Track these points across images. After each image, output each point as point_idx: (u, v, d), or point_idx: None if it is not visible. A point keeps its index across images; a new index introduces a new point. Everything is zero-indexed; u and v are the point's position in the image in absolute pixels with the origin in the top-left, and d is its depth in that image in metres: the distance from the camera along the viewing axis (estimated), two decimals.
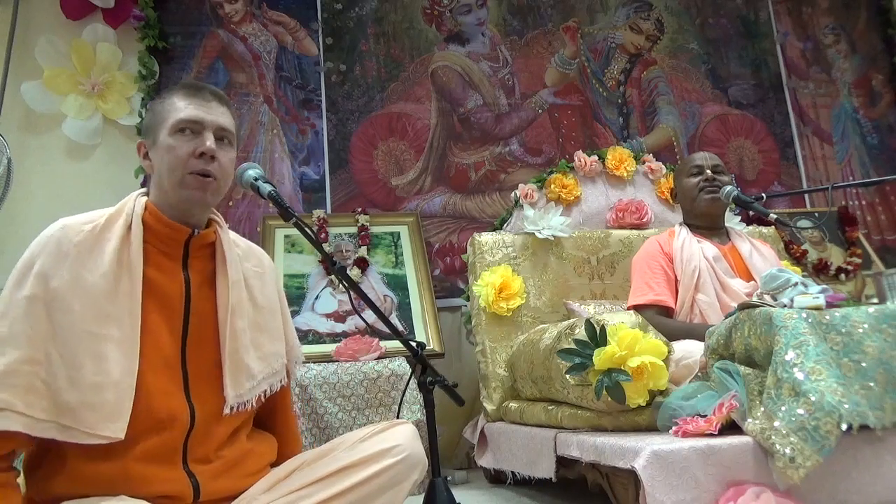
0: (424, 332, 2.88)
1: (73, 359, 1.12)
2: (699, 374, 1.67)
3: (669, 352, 1.70)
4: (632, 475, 1.37)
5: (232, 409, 1.26)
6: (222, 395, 1.26)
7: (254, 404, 1.31)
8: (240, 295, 1.30)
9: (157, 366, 1.19)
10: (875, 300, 2.31)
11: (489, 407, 2.46)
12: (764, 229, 2.92)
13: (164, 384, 1.20)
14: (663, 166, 3.03)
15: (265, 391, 1.33)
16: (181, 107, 1.27)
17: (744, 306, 1.65)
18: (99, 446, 1.11)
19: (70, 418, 1.10)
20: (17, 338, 1.11)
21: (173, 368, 1.22)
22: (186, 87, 1.30)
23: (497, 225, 2.97)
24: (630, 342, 1.61)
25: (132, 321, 1.17)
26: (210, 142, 1.25)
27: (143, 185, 3.09)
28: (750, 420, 1.40)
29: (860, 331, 1.44)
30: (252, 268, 1.38)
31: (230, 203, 3.20)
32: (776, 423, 1.33)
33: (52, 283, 1.14)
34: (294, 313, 2.81)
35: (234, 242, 1.36)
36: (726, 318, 1.66)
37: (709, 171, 2.32)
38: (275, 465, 1.36)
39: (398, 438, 1.27)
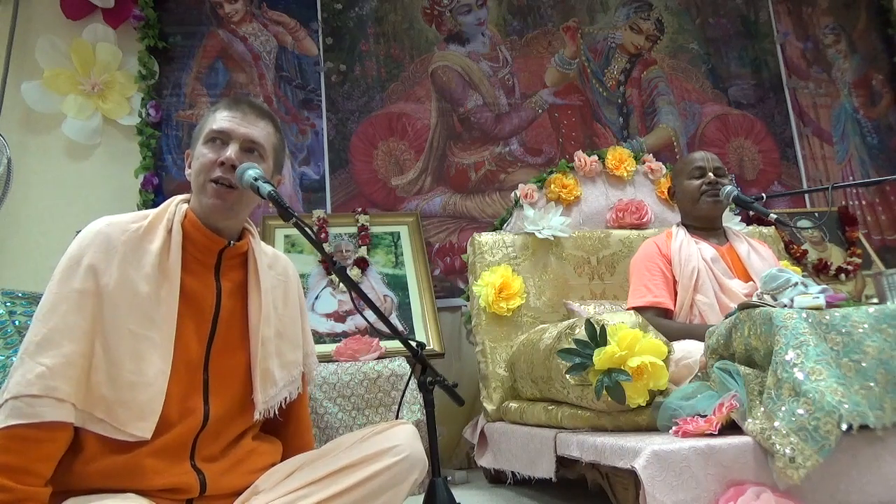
0: (424, 332, 2.88)
1: (114, 355, 1.15)
2: (699, 374, 1.67)
3: (669, 352, 1.70)
4: (632, 475, 1.37)
5: (261, 413, 1.30)
6: (238, 399, 1.29)
7: (276, 411, 1.34)
8: (269, 304, 1.34)
9: (180, 368, 1.22)
10: (875, 300, 2.31)
11: (489, 407, 2.46)
12: (764, 229, 2.92)
13: (184, 386, 1.23)
14: (663, 166, 3.03)
15: (285, 399, 1.37)
16: (217, 118, 1.31)
17: (744, 306, 1.65)
18: (118, 440, 1.14)
19: (103, 411, 1.13)
20: (72, 330, 1.14)
21: (195, 372, 1.26)
22: (227, 100, 1.35)
23: (497, 225, 2.97)
24: (630, 342, 1.61)
25: (169, 326, 1.21)
26: (231, 152, 1.28)
27: (143, 186, 3.13)
28: (750, 420, 1.40)
29: (860, 331, 1.43)
30: (277, 276, 1.41)
31: None
32: (776, 423, 1.33)
33: (102, 280, 1.18)
34: None
35: (262, 251, 1.39)
36: (726, 318, 1.66)
37: (711, 175, 2.30)
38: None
39: (398, 438, 1.28)
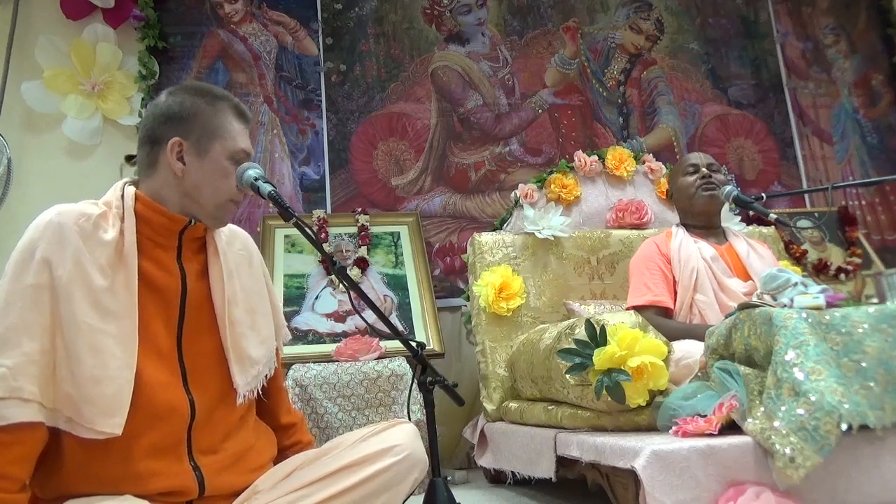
0: (424, 332, 2.88)
1: (73, 351, 1.11)
2: (699, 374, 1.67)
3: (669, 352, 1.70)
4: (632, 475, 1.37)
5: (244, 397, 1.28)
6: (222, 383, 1.27)
7: (259, 390, 1.33)
8: (234, 284, 1.31)
9: (153, 359, 1.19)
10: (875, 300, 2.31)
11: (489, 407, 2.46)
12: (764, 229, 2.92)
13: (161, 377, 1.20)
14: (663, 166, 3.03)
15: (266, 375, 1.35)
16: (237, 131, 1.31)
17: (744, 306, 1.65)
18: (103, 442, 1.11)
19: (70, 410, 1.10)
20: (30, 327, 1.10)
21: (170, 360, 1.23)
22: (240, 111, 1.33)
23: (497, 225, 2.97)
24: (630, 342, 1.61)
25: (130, 315, 1.17)
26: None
27: None
28: (750, 420, 1.40)
29: (860, 331, 1.43)
30: (238, 252, 1.39)
31: None
32: (776, 423, 1.33)
33: (56, 272, 1.13)
34: (294, 313, 2.82)
35: (219, 231, 1.36)
36: (726, 318, 1.66)
37: (704, 169, 2.33)
38: (285, 429, 1.43)
39: (398, 438, 1.27)
